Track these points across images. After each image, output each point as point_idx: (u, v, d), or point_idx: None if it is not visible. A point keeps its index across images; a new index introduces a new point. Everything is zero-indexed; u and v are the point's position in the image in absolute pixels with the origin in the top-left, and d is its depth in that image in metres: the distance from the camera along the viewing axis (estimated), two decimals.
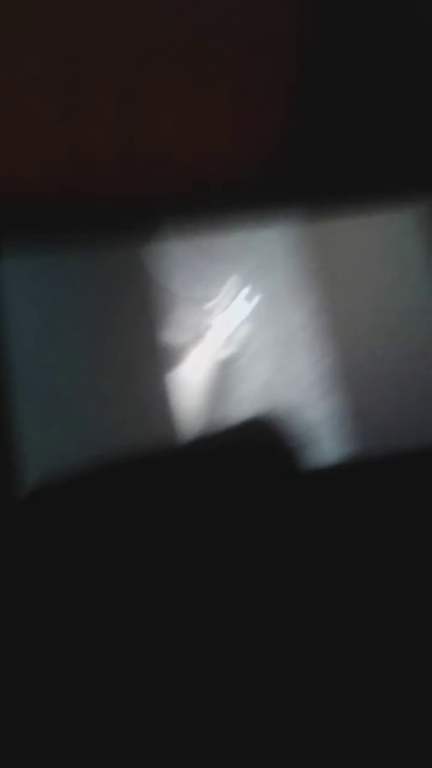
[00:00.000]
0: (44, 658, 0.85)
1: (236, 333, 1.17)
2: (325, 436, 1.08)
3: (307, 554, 0.99)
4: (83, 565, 0.95)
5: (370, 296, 1.21)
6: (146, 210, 1.24)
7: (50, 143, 1.21)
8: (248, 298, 1.19)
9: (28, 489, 1.00)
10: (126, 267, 1.19)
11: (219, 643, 0.90)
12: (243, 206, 1.25)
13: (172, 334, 1.15)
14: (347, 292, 1.21)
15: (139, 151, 1.23)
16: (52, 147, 1.21)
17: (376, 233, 1.25)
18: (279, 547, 1.01)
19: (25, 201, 1.21)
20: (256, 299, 1.19)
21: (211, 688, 0.87)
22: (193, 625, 0.92)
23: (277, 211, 1.24)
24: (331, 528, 1.00)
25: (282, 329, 1.17)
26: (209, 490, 1.05)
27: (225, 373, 1.13)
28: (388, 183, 1.27)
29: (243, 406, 1.10)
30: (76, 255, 1.19)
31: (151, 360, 1.12)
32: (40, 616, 0.90)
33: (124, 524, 1.03)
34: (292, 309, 1.19)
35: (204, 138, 1.27)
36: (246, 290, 1.20)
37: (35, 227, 1.19)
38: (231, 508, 0.98)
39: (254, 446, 1.06)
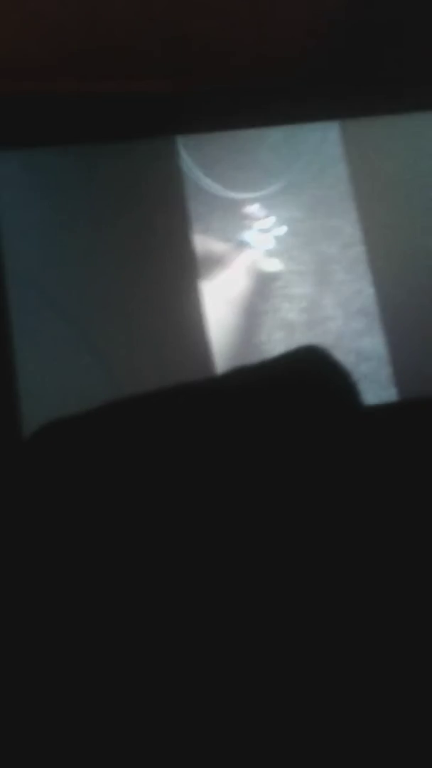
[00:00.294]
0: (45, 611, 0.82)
1: (277, 245, 1.08)
2: (368, 373, 1.03)
3: (348, 491, 0.95)
4: (92, 510, 0.90)
5: (421, 211, 1.11)
6: (178, 96, 1.12)
7: (69, 14, 1.06)
8: (290, 204, 1.10)
9: (36, 428, 0.93)
10: (156, 161, 1.08)
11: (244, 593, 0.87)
12: (284, 99, 1.14)
13: (205, 238, 1.06)
14: (395, 202, 1.11)
15: (176, 33, 1.10)
16: (71, 19, 1.06)
17: (426, 134, 1.14)
18: (318, 483, 0.96)
19: (37, 80, 1.08)
20: (299, 207, 1.10)
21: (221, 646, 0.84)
22: (218, 578, 0.88)
23: (322, 108, 1.14)
24: (373, 468, 0.96)
25: (325, 245, 1.09)
26: (244, 422, 0.99)
27: (264, 290, 1.06)
28: None
29: (283, 330, 1.03)
30: (97, 145, 1.07)
31: (183, 269, 1.04)
32: (43, 563, 0.86)
33: (147, 462, 0.96)
34: (337, 221, 1.10)
35: (247, 27, 1.14)
36: (288, 195, 1.10)
37: (51, 114, 1.07)
38: (270, 444, 0.93)
39: (299, 377, 1.00)
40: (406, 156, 1.14)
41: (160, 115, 1.09)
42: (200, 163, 1.09)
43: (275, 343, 1.03)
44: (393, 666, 0.76)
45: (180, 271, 1.04)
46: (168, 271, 1.04)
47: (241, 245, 1.08)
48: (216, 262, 1.06)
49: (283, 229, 1.09)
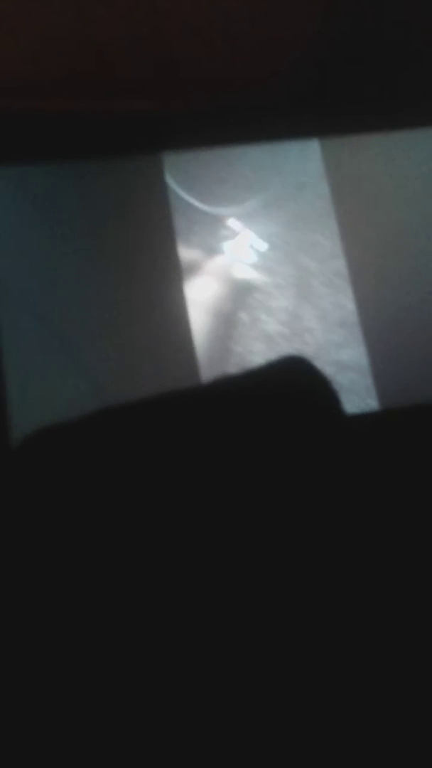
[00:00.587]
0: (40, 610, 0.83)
1: (257, 257, 1.10)
2: (348, 384, 1.05)
3: (330, 500, 0.97)
4: (83, 520, 0.91)
5: (401, 226, 1.14)
6: (164, 115, 1.14)
7: (56, 32, 1.08)
8: (270, 219, 1.12)
9: (25, 434, 0.94)
10: (141, 175, 1.10)
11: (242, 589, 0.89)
12: (268, 117, 1.16)
13: (189, 251, 1.08)
14: (375, 218, 1.14)
15: (159, 51, 1.12)
16: (58, 37, 1.08)
17: (407, 151, 1.16)
18: (300, 490, 0.98)
19: (26, 99, 1.10)
20: (279, 222, 1.12)
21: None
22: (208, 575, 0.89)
23: (304, 125, 1.16)
24: (354, 478, 0.98)
25: (305, 259, 1.11)
26: (231, 431, 1.00)
27: (245, 301, 1.07)
28: (418, 97, 1.20)
29: (263, 341, 1.05)
30: (84, 162, 1.09)
31: (165, 278, 1.05)
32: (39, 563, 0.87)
33: (131, 470, 0.98)
34: (317, 236, 1.13)
35: (228, 43, 1.16)
36: (268, 210, 1.13)
37: (38, 130, 1.08)
38: (256, 452, 0.95)
39: (284, 386, 1.01)
40: (385, 172, 1.17)
41: (145, 133, 1.11)
42: (180, 178, 1.11)
43: (255, 354, 1.05)
44: (393, 666, 0.77)
45: (166, 284, 1.06)
46: (154, 284, 1.05)
47: (222, 259, 1.09)
48: (198, 275, 1.07)
49: (263, 243, 1.11)
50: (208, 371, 1.02)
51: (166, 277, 1.06)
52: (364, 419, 1.02)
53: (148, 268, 1.06)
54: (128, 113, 1.12)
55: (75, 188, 1.08)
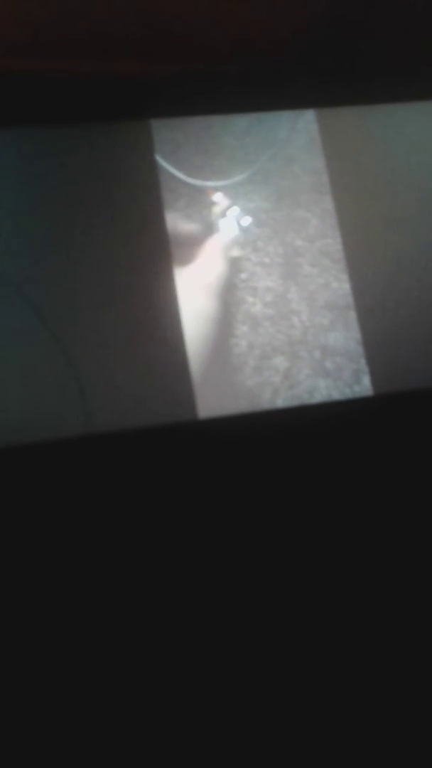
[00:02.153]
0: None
1: (246, 231, 1.07)
2: (334, 369, 1.03)
3: (316, 486, 0.97)
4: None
5: (400, 204, 1.09)
6: (152, 79, 1.10)
7: None
8: (258, 194, 1.09)
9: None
10: (129, 144, 1.06)
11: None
12: (261, 84, 1.12)
13: (176, 224, 1.04)
14: (373, 194, 1.09)
15: (149, 12, 1.07)
16: None
17: (401, 125, 1.12)
18: (286, 476, 0.98)
19: (13, 59, 1.04)
20: (267, 197, 1.09)
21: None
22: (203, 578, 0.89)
23: (296, 95, 1.12)
24: (341, 462, 0.98)
25: (293, 237, 1.08)
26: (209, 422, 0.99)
27: (234, 277, 1.04)
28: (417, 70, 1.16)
29: (247, 324, 1.03)
30: (71, 127, 1.04)
31: (153, 252, 1.02)
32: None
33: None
34: (306, 213, 1.09)
35: (222, 7, 1.11)
36: (256, 184, 1.09)
37: (23, 91, 1.03)
38: (239, 438, 0.95)
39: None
40: (386, 148, 1.13)
41: (133, 97, 1.06)
42: (167, 150, 1.07)
43: (239, 337, 1.03)
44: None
45: (153, 259, 1.02)
46: (142, 258, 1.02)
47: (206, 235, 1.06)
48: (183, 249, 1.04)
49: (249, 219, 1.08)
50: (199, 350, 0.99)
51: (154, 251, 1.02)
52: (356, 405, 1.00)
53: (135, 241, 1.02)
54: (116, 76, 1.07)
55: (60, 154, 1.03)
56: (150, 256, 1.02)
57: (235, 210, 1.07)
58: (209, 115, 1.09)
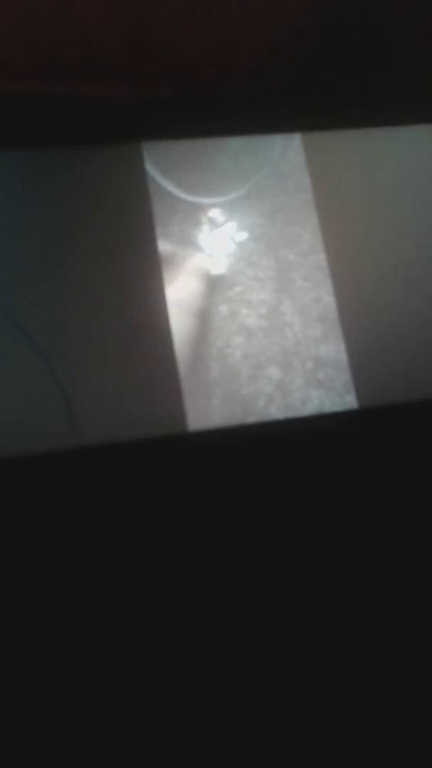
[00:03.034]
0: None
1: (238, 249, 1.08)
2: (326, 380, 1.03)
3: (305, 499, 0.96)
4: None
5: (382, 223, 1.11)
6: (144, 103, 1.12)
7: (33, 14, 1.05)
8: (252, 211, 1.10)
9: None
10: (121, 165, 1.08)
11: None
12: (250, 109, 1.14)
13: (168, 241, 1.05)
14: (356, 212, 1.11)
15: (141, 38, 1.09)
16: (35, 19, 1.05)
17: (391, 148, 1.15)
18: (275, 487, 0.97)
19: (3, 81, 1.07)
20: (260, 214, 1.10)
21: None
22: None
23: (285, 119, 1.14)
24: (329, 474, 0.97)
25: (286, 252, 1.09)
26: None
27: (224, 293, 1.05)
28: (404, 95, 1.17)
29: (242, 335, 1.03)
30: (63, 150, 1.06)
31: (143, 269, 1.03)
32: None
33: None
34: (298, 229, 1.10)
35: (211, 32, 1.13)
36: (250, 202, 1.10)
37: (14, 114, 1.06)
38: (230, 448, 0.94)
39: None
40: (367, 168, 1.15)
41: (124, 121, 1.08)
42: (161, 167, 1.09)
43: (234, 348, 1.03)
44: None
45: (144, 274, 1.03)
46: (132, 274, 1.03)
47: (202, 250, 1.07)
48: (177, 266, 1.05)
49: (243, 235, 1.09)
50: (186, 364, 1.00)
51: (145, 267, 1.03)
52: (342, 418, 1.00)
53: (126, 258, 1.03)
54: (108, 100, 1.10)
55: (52, 176, 1.05)
56: (141, 270, 1.03)
57: (230, 226, 1.08)
58: (199, 138, 1.11)
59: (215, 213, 1.09)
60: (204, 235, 1.08)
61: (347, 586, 0.90)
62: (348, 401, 1.02)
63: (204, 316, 1.03)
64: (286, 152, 1.13)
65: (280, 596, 0.88)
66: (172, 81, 1.14)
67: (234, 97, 1.13)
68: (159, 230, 1.05)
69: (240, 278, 1.07)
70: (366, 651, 0.87)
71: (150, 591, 0.88)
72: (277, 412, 1.00)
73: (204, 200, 1.09)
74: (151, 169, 1.08)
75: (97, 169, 1.07)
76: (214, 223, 1.09)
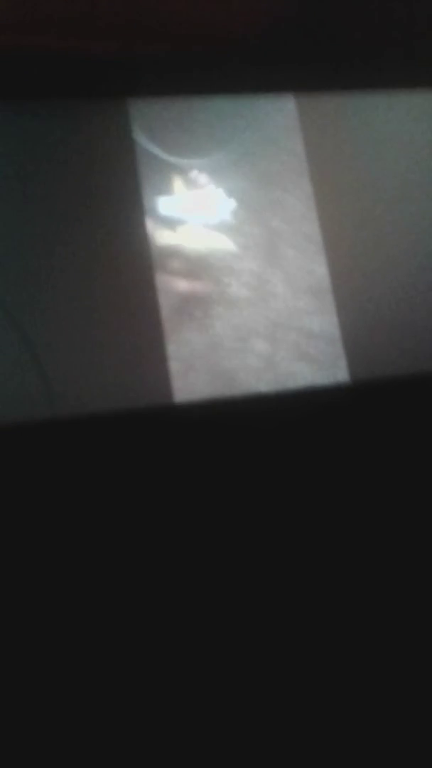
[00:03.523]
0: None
1: (223, 215, 1.03)
2: (316, 354, 0.98)
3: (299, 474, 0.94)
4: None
5: (379, 192, 1.06)
6: (130, 59, 1.06)
7: None
8: (239, 174, 1.04)
9: None
10: (106, 122, 1.01)
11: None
12: (242, 67, 1.08)
13: (152, 204, 1.00)
14: (351, 179, 1.06)
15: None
16: None
17: (391, 114, 1.09)
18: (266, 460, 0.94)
19: None
20: (248, 178, 1.04)
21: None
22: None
23: (278, 78, 1.08)
24: (318, 448, 0.94)
25: (274, 220, 1.04)
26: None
27: (208, 261, 1.00)
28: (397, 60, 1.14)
29: (226, 306, 0.98)
30: (47, 105, 0.99)
31: (129, 230, 0.97)
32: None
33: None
34: (287, 196, 1.05)
35: None
36: (237, 164, 1.05)
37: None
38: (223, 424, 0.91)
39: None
40: (364, 134, 1.11)
41: (110, 76, 1.02)
42: (145, 125, 1.03)
43: (217, 318, 0.98)
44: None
45: (129, 238, 0.98)
46: (115, 238, 0.97)
47: (186, 215, 1.02)
48: (161, 231, 1.00)
49: (229, 200, 1.04)
50: (171, 332, 0.95)
51: (128, 229, 0.98)
52: (334, 392, 0.96)
53: (109, 219, 0.97)
54: (94, 54, 1.04)
55: (32, 132, 0.99)
56: (125, 234, 0.98)
57: (217, 189, 1.03)
58: (188, 96, 1.05)
59: (201, 174, 1.03)
60: (189, 198, 1.02)
61: (339, 565, 0.87)
62: (338, 375, 0.98)
63: (189, 286, 0.98)
64: (279, 113, 1.08)
65: (267, 575, 0.85)
66: (162, 36, 1.08)
67: (227, 54, 1.07)
68: (144, 192, 1.00)
69: (225, 245, 1.02)
70: (357, 628, 0.84)
71: (132, 569, 0.83)
72: (265, 386, 0.96)
73: (189, 160, 1.03)
74: (137, 126, 1.02)
75: (81, 126, 1.01)
76: (199, 185, 1.03)
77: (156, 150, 1.02)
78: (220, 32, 1.10)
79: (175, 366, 0.93)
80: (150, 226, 0.99)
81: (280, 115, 1.08)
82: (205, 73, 1.06)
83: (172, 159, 1.02)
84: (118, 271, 0.96)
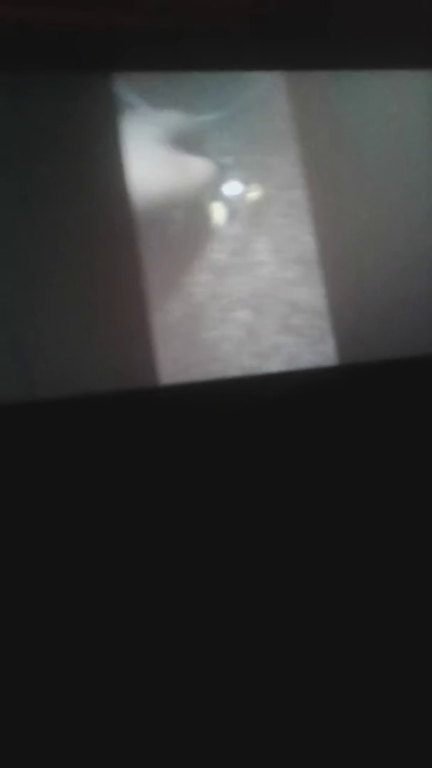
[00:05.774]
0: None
1: (209, 178, 0.98)
2: (302, 327, 0.95)
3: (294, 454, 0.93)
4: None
5: (370, 162, 1.03)
6: (114, 32, 0.98)
7: None
8: (226, 137, 0.99)
9: None
10: (91, 94, 0.95)
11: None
12: (229, 43, 1.01)
13: (141, 179, 0.94)
14: (340, 145, 1.02)
15: None
16: None
17: (383, 90, 1.05)
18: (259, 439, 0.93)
19: None
20: (235, 140, 0.99)
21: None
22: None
23: (266, 56, 1.02)
24: (306, 430, 0.92)
25: (262, 185, 0.99)
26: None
27: (194, 226, 0.95)
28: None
29: (211, 272, 0.94)
30: (31, 77, 0.92)
31: (119, 213, 0.92)
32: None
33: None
34: (276, 160, 1.00)
35: None
36: (224, 127, 0.99)
37: None
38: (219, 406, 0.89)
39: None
40: (355, 106, 1.07)
41: (95, 49, 0.97)
42: (132, 82, 0.96)
43: (202, 285, 0.94)
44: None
45: (113, 204, 0.93)
46: (100, 205, 0.92)
47: (172, 177, 0.96)
48: (145, 195, 0.94)
49: (216, 163, 0.98)
50: (159, 299, 0.91)
51: (112, 199, 0.93)
52: (323, 374, 0.93)
53: (93, 189, 0.92)
54: (78, 26, 0.96)
55: (19, 104, 0.92)
56: (109, 204, 0.92)
57: (207, 151, 0.98)
58: (175, 71, 1.00)
59: (187, 138, 0.98)
60: (175, 164, 0.97)
61: (328, 546, 0.86)
62: (324, 350, 0.95)
63: (174, 252, 0.94)
64: (268, 75, 1.02)
65: (255, 556, 0.84)
66: (144, 11, 1.00)
67: (216, 30, 1.01)
68: (128, 159, 0.94)
69: (211, 209, 0.97)
70: (350, 611, 0.85)
71: (120, 549, 0.82)
72: (248, 358, 0.93)
73: (176, 123, 0.98)
74: (122, 90, 0.96)
75: (67, 96, 0.95)
76: (185, 149, 0.98)
77: (143, 113, 0.96)
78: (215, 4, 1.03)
79: (158, 337, 0.90)
80: (133, 192, 0.94)
81: (269, 87, 1.02)
82: (194, 49, 1.01)
83: (159, 121, 0.97)
84: (103, 244, 0.92)
